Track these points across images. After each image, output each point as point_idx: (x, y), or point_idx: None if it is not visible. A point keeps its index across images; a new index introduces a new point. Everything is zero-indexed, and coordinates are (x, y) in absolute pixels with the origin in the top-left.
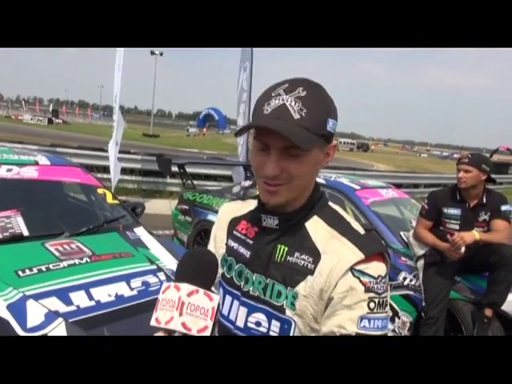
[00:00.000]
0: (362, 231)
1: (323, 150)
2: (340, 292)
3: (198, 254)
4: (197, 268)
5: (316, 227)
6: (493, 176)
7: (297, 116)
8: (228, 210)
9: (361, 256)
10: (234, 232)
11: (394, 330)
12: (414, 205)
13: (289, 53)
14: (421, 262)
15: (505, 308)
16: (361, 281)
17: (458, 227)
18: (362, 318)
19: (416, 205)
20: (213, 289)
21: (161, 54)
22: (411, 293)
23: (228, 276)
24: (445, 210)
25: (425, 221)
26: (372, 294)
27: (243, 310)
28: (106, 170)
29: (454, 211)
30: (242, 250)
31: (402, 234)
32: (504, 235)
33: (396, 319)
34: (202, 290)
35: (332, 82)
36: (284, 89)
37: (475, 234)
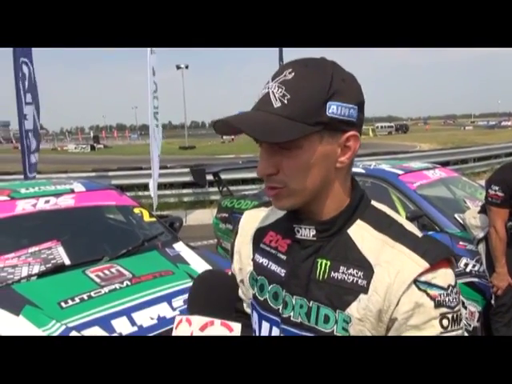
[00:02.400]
0: (419, 233)
1: (333, 141)
2: (405, 311)
3: (208, 277)
4: (209, 295)
5: (362, 234)
6: None
7: (277, 104)
8: (251, 220)
9: (424, 265)
10: (261, 245)
11: None
12: (465, 183)
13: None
14: (483, 245)
15: None
16: (428, 294)
17: None
18: None
19: (468, 182)
20: (247, 309)
21: (186, 67)
22: (475, 280)
23: (261, 298)
24: None
25: (502, 210)
26: (444, 310)
27: None
28: (146, 187)
29: None
30: (273, 267)
31: (456, 216)
32: None
33: (462, 310)
34: (218, 321)
35: (360, 67)
36: (273, 75)
37: None
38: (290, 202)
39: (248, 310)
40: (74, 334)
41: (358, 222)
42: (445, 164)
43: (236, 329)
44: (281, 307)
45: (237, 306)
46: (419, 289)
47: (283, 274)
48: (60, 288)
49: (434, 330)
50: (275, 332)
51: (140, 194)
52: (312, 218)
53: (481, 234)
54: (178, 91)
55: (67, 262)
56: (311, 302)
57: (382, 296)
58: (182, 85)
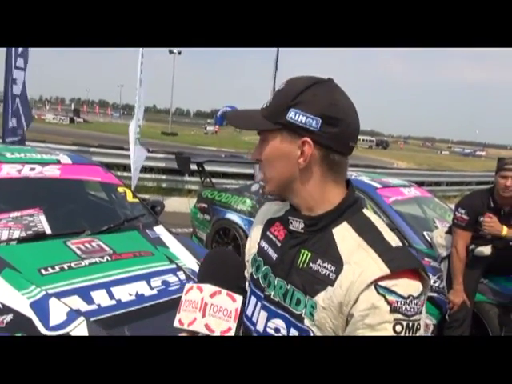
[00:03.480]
0: (394, 243)
1: (292, 142)
2: (362, 309)
3: (220, 254)
4: (219, 269)
5: (344, 234)
6: None
7: (263, 106)
8: (266, 211)
9: (385, 271)
10: (267, 233)
11: None
12: (437, 204)
13: (310, 50)
14: (445, 264)
15: None
16: (386, 299)
17: (490, 235)
18: None
19: (439, 204)
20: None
21: (179, 53)
22: (435, 295)
23: (255, 277)
24: (481, 219)
25: (465, 233)
26: (399, 316)
27: (264, 314)
28: (125, 168)
29: None
30: (270, 251)
31: (425, 234)
32: None
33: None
34: (224, 291)
35: (351, 79)
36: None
37: (503, 229)
38: (268, 187)
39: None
40: (53, 300)
41: (344, 224)
42: (420, 184)
43: (238, 300)
44: (266, 286)
45: (241, 284)
46: (378, 292)
47: (274, 258)
48: (40, 255)
49: (386, 332)
50: (258, 306)
51: (119, 173)
52: (303, 213)
53: (444, 253)
54: (167, 76)
55: (48, 231)
56: (289, 285)
57: (344, 291)
58: (173, 70)
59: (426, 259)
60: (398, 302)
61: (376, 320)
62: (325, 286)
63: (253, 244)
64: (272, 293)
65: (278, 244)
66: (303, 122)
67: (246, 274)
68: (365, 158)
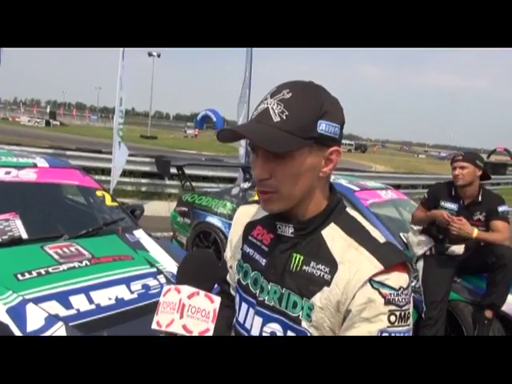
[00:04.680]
0: (381, 240)
1: (319, 154)
2: (358, 304)
3: (198, 256)
4: (197, 270)
5: (333, 235)
6: (491, 176)
7: (277, 119)
8: (244, 214)
9: (380, 267)
10: (250, 237)
11: None
12: (412, 206)
13: (288, 54)
14: (420, 263)
15: (505, 309)
16: (380, 293)
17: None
18: (381, 332)
19: (415, 206)
20: (232, 291)
21: (158, 56)
22: None
23: (244, 283)
24: (442, 204)
25: (423, 208)
26: (393, 307)
27: (258, 320)
28: (104, 172)
29: (451, 205)
30: (257, 256)
31: (401, 235)
32: (504, 236)
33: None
34: (202, 292)
35: (330, 84)
36: (271, 92)
37: (474, 231)
38: (278, 205)
39: (233, 293)
40: (31, 306)
41: (332, 225)
42: (396, 187)
43: (216, 301)
44: (258, 291)
45: (223, 288)
46: (373, 287)
47: (264, 264)
48: (16, 260)
49: (382, 323)
50: (251, 312)
51: (97, 177)
52: (292, 218)
53: (420, 252)
54: (146, 78)
55: (24, 235)
56: (284, 289)
57: (341, 290)
58: (152, 73)
59: None
60: (391, 294)
61: (372, 313)
62: (321, 286)
63: (235, 249)
64: (266, 298)
65: (265, 249)
66: (332, 132)
67: (229, 279)
68: (344, 162)
